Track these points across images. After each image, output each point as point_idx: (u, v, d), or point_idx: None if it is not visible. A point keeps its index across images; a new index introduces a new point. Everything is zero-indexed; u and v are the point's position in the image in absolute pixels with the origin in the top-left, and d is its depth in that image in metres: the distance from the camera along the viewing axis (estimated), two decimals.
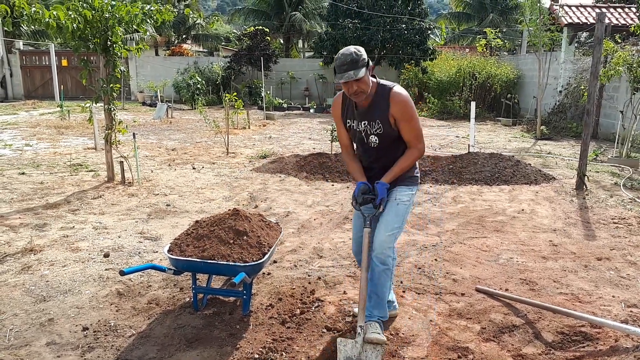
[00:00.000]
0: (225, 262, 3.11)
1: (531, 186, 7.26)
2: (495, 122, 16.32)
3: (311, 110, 19.92)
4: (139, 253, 4.50)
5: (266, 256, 3.24)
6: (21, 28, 24.58)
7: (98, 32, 6.52)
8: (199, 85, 20.09)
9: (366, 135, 2.91)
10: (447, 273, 4.11)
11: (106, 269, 4.10)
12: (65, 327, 3.20)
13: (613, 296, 3.69)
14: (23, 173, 7.58)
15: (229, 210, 3.62)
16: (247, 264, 3.10)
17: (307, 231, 5.22)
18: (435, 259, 4.41)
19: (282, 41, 28.96)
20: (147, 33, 7.75)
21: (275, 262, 4.31)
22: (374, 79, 2.86)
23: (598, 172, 8.32)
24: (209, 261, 3.12)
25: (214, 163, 8.78)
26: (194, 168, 8.30)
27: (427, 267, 4.22)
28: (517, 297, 3.55)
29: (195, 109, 18.63)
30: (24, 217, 5.42)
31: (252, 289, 3.51)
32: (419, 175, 3.11)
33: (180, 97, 21.09)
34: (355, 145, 3.12)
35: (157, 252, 4.53)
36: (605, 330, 3.07)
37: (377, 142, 2.88)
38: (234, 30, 31.32)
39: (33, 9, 5.85)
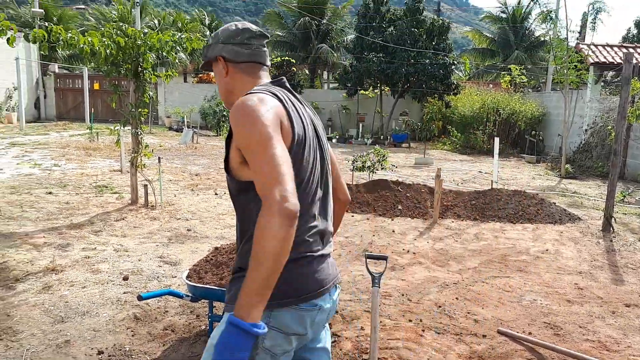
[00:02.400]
0: None
1: (556, 226, 7.11)
2: (518, 159, 16.15)
3: (333, 140, 20.03)
4: (158, 277, 4.51)
5: None
6: (57, 52, 25.51)
7: (130, 58, 6.72)
8: (225, 112, 20.44)
9: None
10: (469, 313, 4.00)
11: (124, 292, 4.11)
12: (81, 349, 3.19)
13: None
14: (50, 192, 7.74)
15: None
16: None
17: None
18: (457, 298, 4.30)
19: (307, 72, 29.42)
20: (177, 60, 7.95)
21: None
22: (261, 82, 1.72)
23: (625, 214, 8.10)
24: (224, 289, 3.09)
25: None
26: (216, 194, 8.36)
27: (447, 306, 4.12)
28: (541, 342, 3.43)
29: (220, 135, 18.94)
30: (48, 237, 5.50)
31: None
32: (294, 278, 1.54)
33: (206, 123, 21.48)
34: None
35: (175, 277, 4.54)
36: None
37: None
38: None
39: (69, 34, 6.07)
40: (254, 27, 1.78)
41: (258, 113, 1.47)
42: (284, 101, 1.58)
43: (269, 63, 1.81)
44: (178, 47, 7.10)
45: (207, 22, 30.14)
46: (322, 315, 1.64)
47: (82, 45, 6.13)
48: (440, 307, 4.10)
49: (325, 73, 30.65)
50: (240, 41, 1.73)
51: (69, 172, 9.68)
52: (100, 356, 3.12)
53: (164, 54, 6.99)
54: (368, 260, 2.97)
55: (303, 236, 1.55)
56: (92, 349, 3.21)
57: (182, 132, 17.28)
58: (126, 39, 6.52)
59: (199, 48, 7.27)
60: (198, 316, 3.74)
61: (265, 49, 1.79)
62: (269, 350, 1.51)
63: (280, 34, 30.56)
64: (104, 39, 6.34)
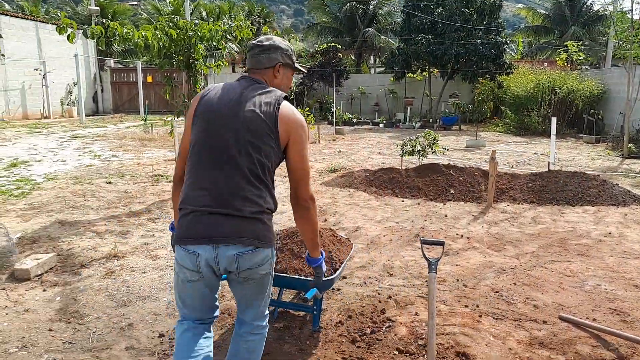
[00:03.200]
0: (297, 277, 3.11)
1: (619, 208, 6.75)
2: (576, 139, 15.42)
3: (380, 125, 19.82)
4: None
5: (337, 272, 3.21)
6: (112, 47, 26.50)
7: (182, 49, 6.85)
8: None
9: None
10: (527, 298, 3.87)
11: None
12: (143, 332, 3.33)
13: None
14: (110, 182, 8.09)
15: None
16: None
17: (376, 247, 5.14)
18: (514, 283, 4.18)
19: (353, 57, 29.16)
20: (227, 50, 8.08)
21: (344, 277, 4.27)
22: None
23: None
24: (281, 274, 3.13)
25: (285, 176, 8.90)
26: None
27: (505, 291, 4.01)
28: (607, 329, 3.27)
29: None
30: (109, 224, 5.75)
31: (322, 304, 3.49)
32: (179, 225, 2.18)
33: None
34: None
35: None
36: None
37: None
38: (307, 48, 31.95)
39: (125, 29, 6.26)
40: (258, 40, 2.33)
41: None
42: (207, 91, 2.24)
43: (266, 65, 2.31)
44: (228, 36, 7.19)
45: (257, 12, 30.37)
46: (212, 262, 2.07)
47: (136, 40, 6.31)
48: (497, 292, 3.99)
49: (371, 57, 30.27)
50: (247, 52, 2.37)
51: (126, 163, 10.07)
52: (161, 339, 3.24)
53: (214, 43, 7.09)
54: (423, 245, 2.92)
55: (185, 192, 2.13)
56: (153, 332, 3.33)
57: None
58: (178, 30, 6.65)
59: (248, 37, 7.31)
60: None
61: (261, 55, 2.30)
62: (177, 274, 2.17)
63: (325, 20, 30.37)
64: (157, 32, 6.49)
